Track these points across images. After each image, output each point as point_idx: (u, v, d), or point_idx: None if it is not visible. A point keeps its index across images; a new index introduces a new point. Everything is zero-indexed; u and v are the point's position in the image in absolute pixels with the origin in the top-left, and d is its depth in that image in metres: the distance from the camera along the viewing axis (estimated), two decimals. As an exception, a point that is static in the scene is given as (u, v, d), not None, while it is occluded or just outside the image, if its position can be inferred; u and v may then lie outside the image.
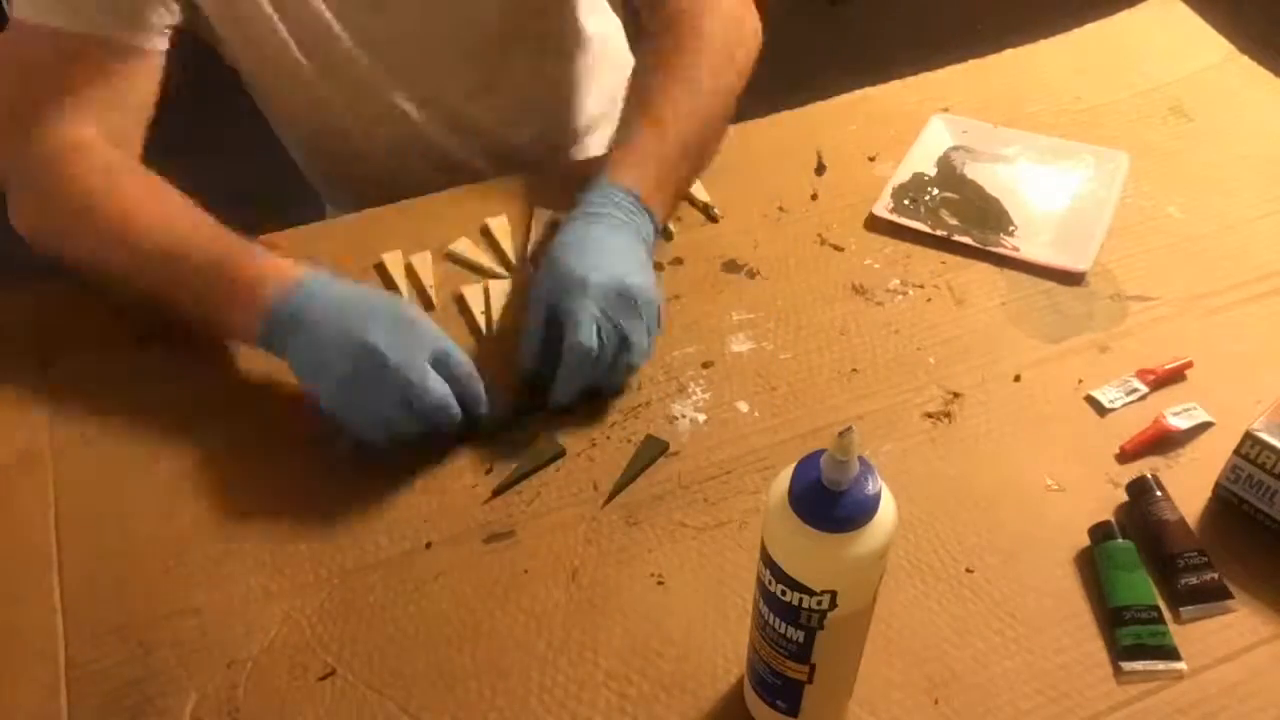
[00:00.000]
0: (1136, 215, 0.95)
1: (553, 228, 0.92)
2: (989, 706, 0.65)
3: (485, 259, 0.92)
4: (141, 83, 0.86)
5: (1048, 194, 0.97)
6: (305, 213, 1.13)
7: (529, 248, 0.93)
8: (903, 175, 0.98)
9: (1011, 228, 0.94)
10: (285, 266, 0.77)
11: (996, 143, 1.02)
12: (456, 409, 0.75)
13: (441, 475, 0.77)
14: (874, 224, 0.95)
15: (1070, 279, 0.90)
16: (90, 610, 0.70)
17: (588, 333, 0.75)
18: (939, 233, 0.93)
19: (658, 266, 0.91)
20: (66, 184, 0.81)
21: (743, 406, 0.81)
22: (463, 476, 0.77)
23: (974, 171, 0.99)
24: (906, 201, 0.96)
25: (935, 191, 0.97)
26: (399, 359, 0.72)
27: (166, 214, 0.81)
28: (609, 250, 0.80)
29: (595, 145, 1.16)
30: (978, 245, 0.92)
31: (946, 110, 1.05)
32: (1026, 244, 0.92)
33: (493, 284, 0.89)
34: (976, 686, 0.66)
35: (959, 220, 0.94)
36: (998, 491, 0.75)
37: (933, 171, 0.99)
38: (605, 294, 0.77)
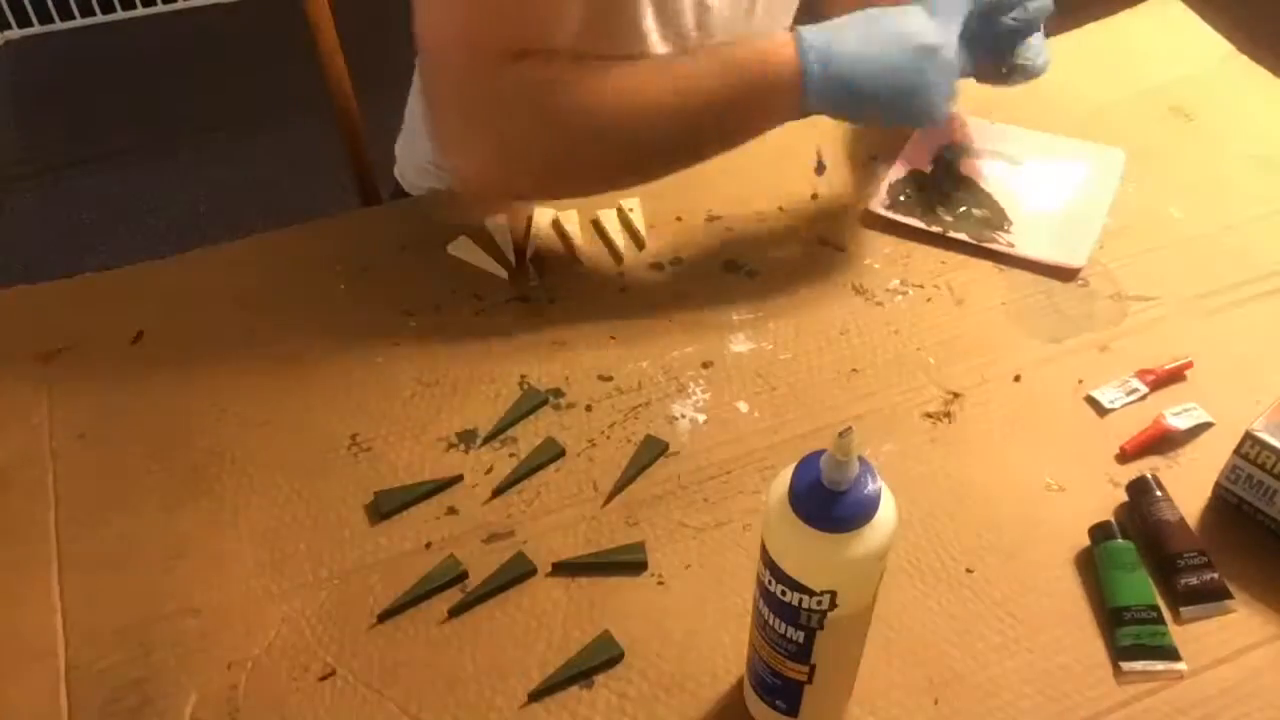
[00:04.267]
0: (1136, 215, 0.95)
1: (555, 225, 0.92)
2: (989, 706, 0.65)
3: (485, 258, 0.92)
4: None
5: (1044, 191, 0.97)
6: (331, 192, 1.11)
7: (529, 248, 0.93)
8: (899, 172, 0.98)
9: (1007, 224, 0.94)
10: (780, 43, 0.79)
11: (993, 139, 1.02)
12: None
13: (441, 475, 0.77)
14: (871, 221, 0.95)
15: (1066, 275, 0.90)
16: (90, 610, 0.70)
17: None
18: (935, 229, 0.93)
19: (657, 267, 0.92)
20: (551, 94, 0.77)
21: (743, 406, 0.81)
22: (463, 477, 0.77)
23: (971, 168, 0.99)
24: (903, 198, 0.96)
25: (931, 188, 0.97)
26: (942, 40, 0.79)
27: (659, 71, 0.81)
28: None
29: None
30: (973, 242, 0.92)
31: (946, 110, 1.05)
32: (1022, 241, 0.92)
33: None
34: (976, 686, 0.66)
35: (955, 217, 0.95)
36: (998, 491, 0.75)
37: (929, 168, 0.99)
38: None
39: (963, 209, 0.95)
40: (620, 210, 0.95)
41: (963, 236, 0.93)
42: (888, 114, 0.84)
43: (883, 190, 0.96)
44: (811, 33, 0.81)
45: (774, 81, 0.80)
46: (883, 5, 0.84)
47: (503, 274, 0.91)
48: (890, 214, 0.94)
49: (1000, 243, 0.92)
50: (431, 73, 0.81)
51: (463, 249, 0.93)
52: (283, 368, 0.84)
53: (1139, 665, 0.66)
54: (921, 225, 0.94)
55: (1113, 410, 0.80)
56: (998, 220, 0.94)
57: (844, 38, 0.80)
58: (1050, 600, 0.70)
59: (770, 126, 0.84)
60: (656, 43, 0.93)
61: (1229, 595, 0.69)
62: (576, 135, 0.79)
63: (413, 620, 0.69)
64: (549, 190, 0.87)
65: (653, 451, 0.78)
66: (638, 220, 0.95)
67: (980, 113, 1.04)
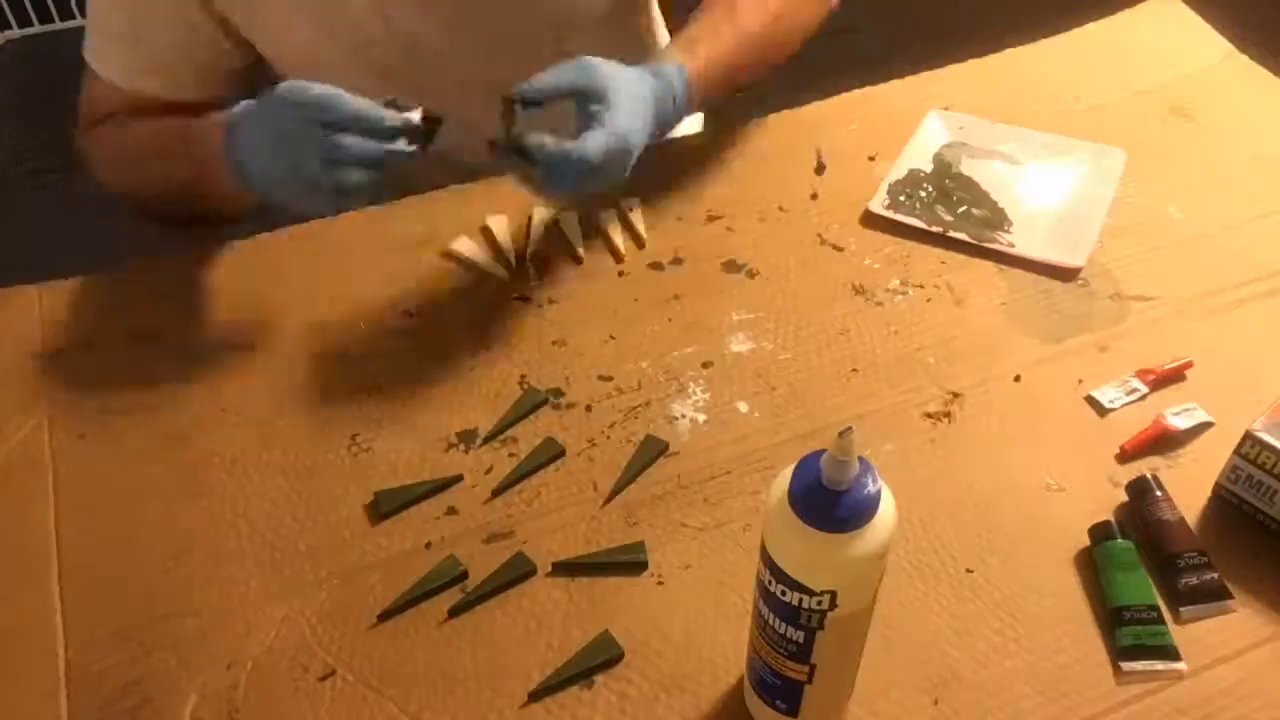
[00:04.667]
0: (1136, 215, 0.95)
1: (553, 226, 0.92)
2: (989, 706, 0.65)
3: (485, 258, 0.92)
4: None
5: (1044, 190, 0.97)
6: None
7: (529, 248, 0.93)
8: (899, 172, 0.98)
9: (1007, 224, 0.94)
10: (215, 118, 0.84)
11: (993, 139, 1.02)
12: (380, 112, 0.76)
13: (441, 475, 0.77)
14: (870, 221, 0.95)
15: (1066, 275, 0.90)
16: (90, 610, 0.70)
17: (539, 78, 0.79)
18: (935, 229, 0.93)
19: (657, 267, 0.91)
20: (107, 146, 0.96)
21: (743, 406, 0.81)
22: (462, 477, 0.77)
23: (970, 168, 1.00)
24: (902, 198, 0.96)
25: (931, 188, 0.97)
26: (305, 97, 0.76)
27: (149, 130, 0.93)
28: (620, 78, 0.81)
29: None
30: (973, 241, 0.92)
31: (947, 109, 1.05)
32: (1022, 240, 0.92)
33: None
34: (976, 686, 0.66)
35: (955, 216, 0.95)
36: (998, 491, 0.75)
37: (929, 168, 0.99)
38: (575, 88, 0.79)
39: (963, 209, 0.95)
40: (620, 210, 0.95)
41: (963, 236, 0.93)
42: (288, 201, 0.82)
43: (882, 190, 0.96)
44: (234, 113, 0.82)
45: (207, 154, 0.83)
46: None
47: (503, 274, 0.91)
48: (890, 214, 0.94)
49: (1000, 242, 0.92)
50: None
51: (464, 247, 0.93)
52: (283, 368, 0.84)
53: (1139, 665, 0.66)
54: (922, 225, 0.94)
55: (1113, 410, 0.80)
56: (998, 220, 0.94)
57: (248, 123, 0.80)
58: (1050, 600, 0.70)
59: (217, 189, 0.85)
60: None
61: (1229, 595, 0.69)
62: (107, 180, 0.96)
63: (413, 620, 0.69)
64: (137, 210, 0.97)
65: (653, 451, 0.78)
66: (638, 220, 0.95)
67: (979, 112, 1.04)
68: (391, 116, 0.77)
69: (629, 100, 0.80)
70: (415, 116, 0.78)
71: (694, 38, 0.90)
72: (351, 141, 0.75)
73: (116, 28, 0.92)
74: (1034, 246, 0.92)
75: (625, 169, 0.81)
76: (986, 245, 0.92)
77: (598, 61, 0.81)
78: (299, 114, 0.76)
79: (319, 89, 0.76)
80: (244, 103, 0.81)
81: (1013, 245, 0.92)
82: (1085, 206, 0.95)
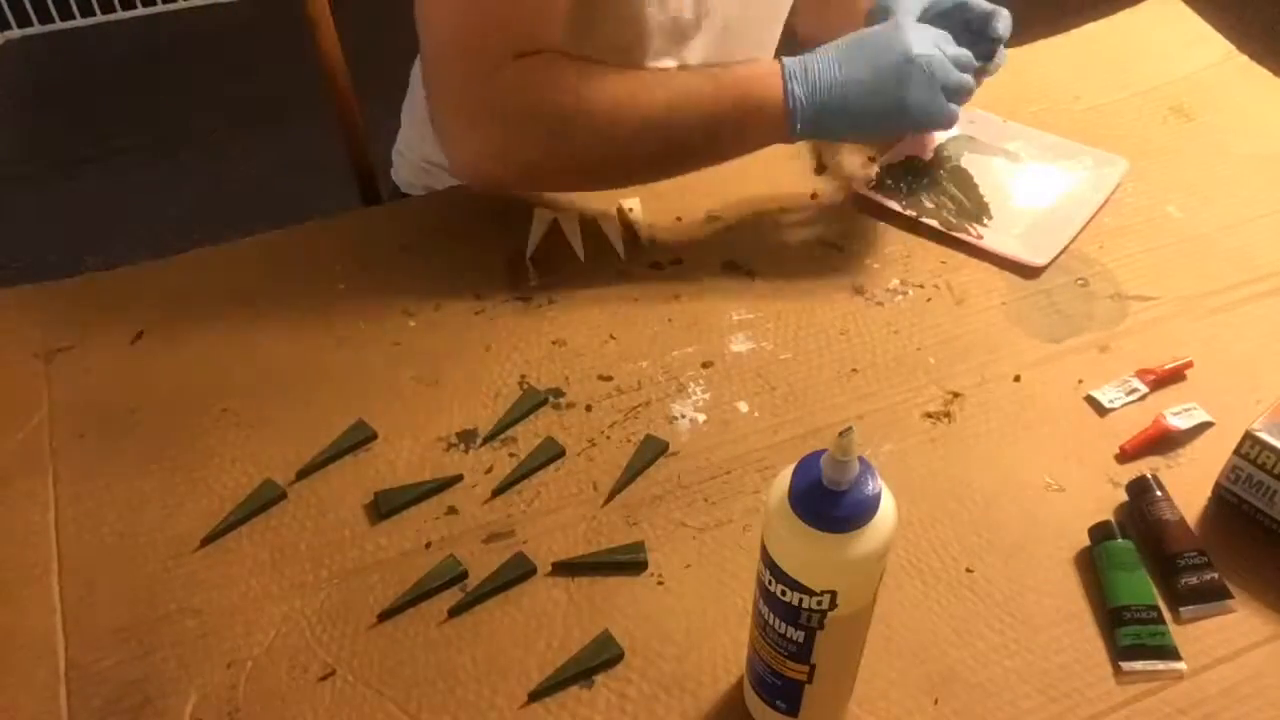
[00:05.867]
0: (1136, 215, 0.95)
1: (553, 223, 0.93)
2: (989, 706, 0.65)
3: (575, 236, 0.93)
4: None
5: (1035, 190, 0.98)
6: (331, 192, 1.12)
7: (530, 248, 0.93)
8: (895, 157, 0.99)
9: (985, 218, 0.94)
10: (766, 69, 0.84)
11: (1002, 136, 1.02)
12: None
13: (441, 475, 0.77)
14: (854, 200, 0.96)
15: (1027, 272, 0.90)
16: (90, 610, 0.70)
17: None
18: (909, 214, 0.94)
19: (657, 267, 0.92)
20: (549, 92, 0.80)
21: (743, 406, 0.81)
22: (462, 476, 0.77)
23: (970, 162, 1.00)
24: (890, 181, 0.97)
25: (922, 175, 0.98)
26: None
27: (654, 81, 0.83)
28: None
29: None
30: (941, 229, 0.93)
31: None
32: (992, 235, 0.93)
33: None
34: (976, 686, 0.66)
35: (935, 205, 0.95)
36: (998, 491, 0.75)
37: (928, 156, 1.00)
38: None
39: (944, 198, 0.96)
40: (620, 210, 0.95)
41: (933, 224, 0.93)
42: (884, 130, 0.90)
43: (872, 172, 0.97)
44: (794, 62, 0.84)
45: (760, 107, 0.83)
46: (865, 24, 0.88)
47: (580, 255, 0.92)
48: (872, 194, 0.95)
49: (970, 234, 0.93)
50: (433, 71, 0.83)
51: (564, 221, 0.93)
52: (283, 367, 0.84)
53: (1139, 665, 0.66)
54: (897, 208, 0.94)
55: (1113, 410, 0.80)
56: (976, 213, 0.95)
57: (825, 64, 0.84)
58: (1050, 600, 0.70)
59: (757, 148, 0.87)
60: (651, 29, 0.94)
61: (1229, 595, 0.69)
62: (568, 134, 0.82)
63: (413, 620, 0.69)
64: (539, 184, 0.90)
65: (653, 451, 0.78)
66: (638, 220, 0.95)
67: (984, 110, 1.04)
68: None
69: None
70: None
71: None
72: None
73: None
74: (1001, 242, 0.92)
75: None
76: (955, 235, 0.92)
77: None
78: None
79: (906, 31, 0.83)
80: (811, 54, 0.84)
81: (980, 238, 0.92)
82: (1069, 209, 0.95)
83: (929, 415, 0.80)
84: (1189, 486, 0.74)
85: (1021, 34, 1.15)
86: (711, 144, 0.86)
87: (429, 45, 0.82)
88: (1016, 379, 0.82)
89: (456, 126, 0.83)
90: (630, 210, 0.95)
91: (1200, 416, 0.78)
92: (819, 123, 0.85)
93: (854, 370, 0.84)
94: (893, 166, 0.98)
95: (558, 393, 0.82)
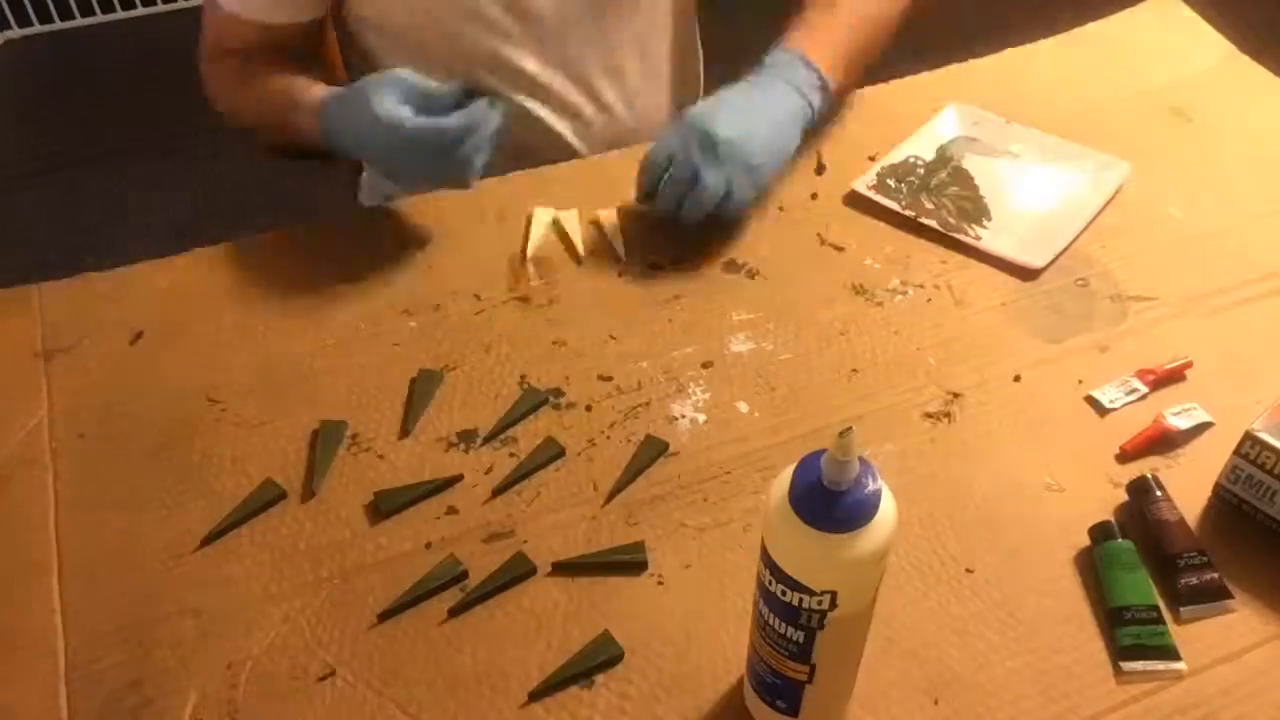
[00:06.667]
0: (1136, 215, 0.95)
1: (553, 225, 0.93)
2: (989, 706, 0.65)
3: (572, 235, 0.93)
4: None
5: (1035, 193, 0.98)
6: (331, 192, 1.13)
7: (530, 248, 0.93)
8: (896, 157, 0.99)
9: (985, 220, 0.94)
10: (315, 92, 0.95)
11: (1004, 138, 1.02)
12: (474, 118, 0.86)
13: (441, 475, 0.77)
14: (853, 200, 0.96)
15: (1025, 274, 0.90)
16: (90, 610, 0.70)
17: (654, 150, 0.90)
18: (908, 214, 0.94)
19: (657, 266, 0.91)
20: (213, 89, 1.06)
21: (743, 406, 0.81)
22: (462, 476, 0.77)
23: (971, 163, 1.00)
24: (890, 181, 0.97)
25: (922, 176, 0.98)
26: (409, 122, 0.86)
27: (262, 84, 1.01)
28: (737, 107, 0.91)
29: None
30: (941, 230, 0.93)
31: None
32: (991, 237, 0.93)
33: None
34: (976, 686, 0.66)
35: (935, 205, 0.95)
36: (998, 491, 0.75)
37: (929, 157, 1.00)
38: (692, 134, 0.88)
39: (944, 199, 0.96)
40: (620, 210, 0.95)
41: (933, 224, 0.93)
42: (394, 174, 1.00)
43: (872, 172, 0.97)
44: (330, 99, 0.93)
45: (303, 120, 0.94)
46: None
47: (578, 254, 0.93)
48: (871, 194, 0.95)
49: (969, 235, 0.92)
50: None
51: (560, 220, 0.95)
52: (283, 367, 0.84)
53: (1139, 665, 0.66)
54: (896, 208, 0.94)
55: (1113, 410, 0.80)
56: (976, 214, 0.95)
57: (338, 113, 0.91)
58: (1050, 600, 0.70)
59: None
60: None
61: (1229, 595, 0.69)
62: (221, 109, 1.06)
63: (413, 620, 0.69)
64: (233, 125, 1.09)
65: (653, 451, 0.78)
66: (607, 224, 0.94)
67: (986, 111, 1.04)
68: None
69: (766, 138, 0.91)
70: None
71: (814, 31, 0.97)
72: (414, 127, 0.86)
73: None
74: (1000, 244, 0.92)
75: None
76: (954, 236, 0.92)
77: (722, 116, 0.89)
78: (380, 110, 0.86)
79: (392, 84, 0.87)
80: (333, 92, 0.93)
81: (979, 239, 0.92)
82: (1068, 212, 0.95)
83: (929, 415, 0.80)
84: (1189, 486, 0.74)
85: (1022, 34, 1.15)
86: (276, 132, 1.02)
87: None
88: (1016, 379, 0.82)
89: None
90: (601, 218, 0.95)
91: (1200, 416, 0.78)
92: (340, 149, 0.93)
93: (854, 370, 0.84)
94: (891, 166, 0.98)
95: (558, 393, 0.82)
